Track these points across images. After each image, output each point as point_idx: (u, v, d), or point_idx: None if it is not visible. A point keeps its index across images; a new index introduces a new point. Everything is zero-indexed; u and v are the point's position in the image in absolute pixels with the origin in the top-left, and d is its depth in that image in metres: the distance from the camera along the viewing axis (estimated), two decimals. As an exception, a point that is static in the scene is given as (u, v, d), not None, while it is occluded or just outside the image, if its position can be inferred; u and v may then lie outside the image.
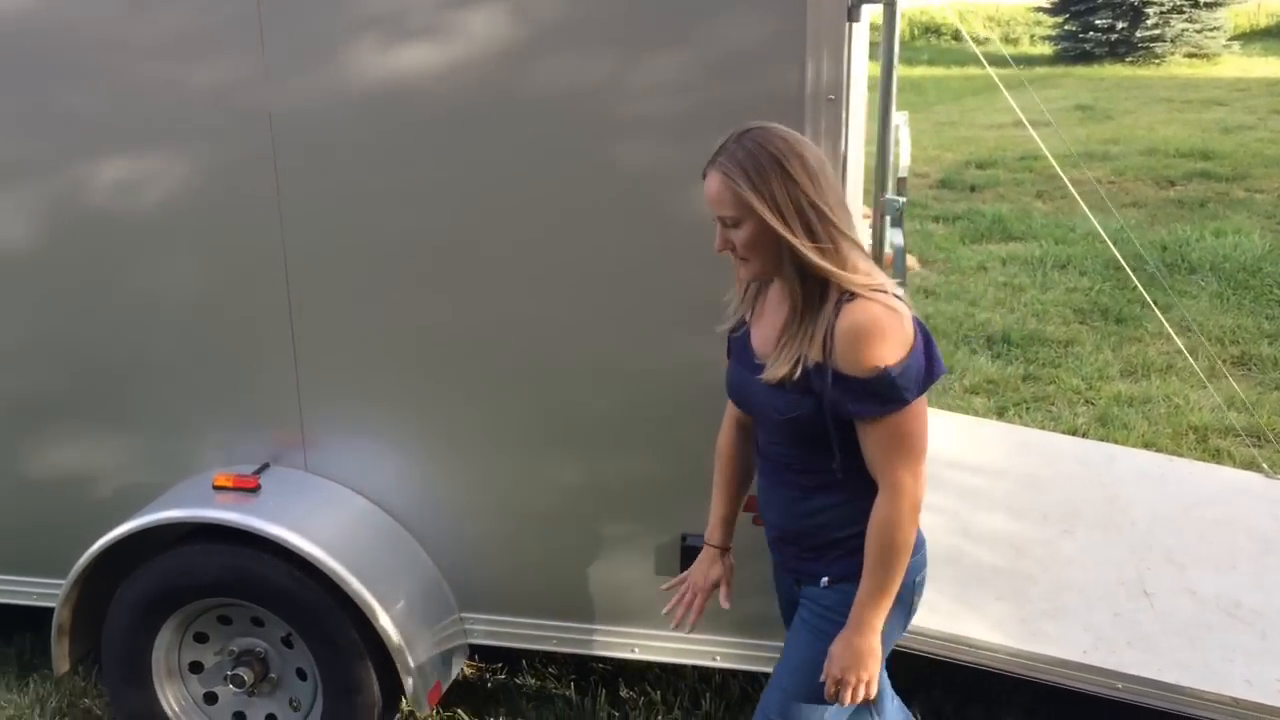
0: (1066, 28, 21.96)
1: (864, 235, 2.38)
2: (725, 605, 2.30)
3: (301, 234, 2.72)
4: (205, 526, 2.79)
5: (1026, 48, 24.18)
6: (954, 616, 2.84)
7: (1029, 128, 4.26)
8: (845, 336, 1.87)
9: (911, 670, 3.15)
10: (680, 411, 2.66)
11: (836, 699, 2.03)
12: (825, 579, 2.08)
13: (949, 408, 4.99)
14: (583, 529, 2.82)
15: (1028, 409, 5.24)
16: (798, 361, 1.92)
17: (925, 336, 1.93)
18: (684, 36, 2.43)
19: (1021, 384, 5.55)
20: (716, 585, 2.31)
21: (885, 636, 2.04)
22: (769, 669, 2.73)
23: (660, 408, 2.68)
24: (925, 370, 1.90)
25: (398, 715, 2.93)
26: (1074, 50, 21.24)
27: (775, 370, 1.95)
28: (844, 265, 1.90)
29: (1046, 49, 23.01)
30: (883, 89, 2.47)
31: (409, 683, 2.72)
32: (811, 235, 1.89)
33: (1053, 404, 5.31)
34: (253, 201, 2.71)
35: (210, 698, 2.94)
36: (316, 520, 2.78)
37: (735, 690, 3.19)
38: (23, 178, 2.82)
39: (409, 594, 2.81)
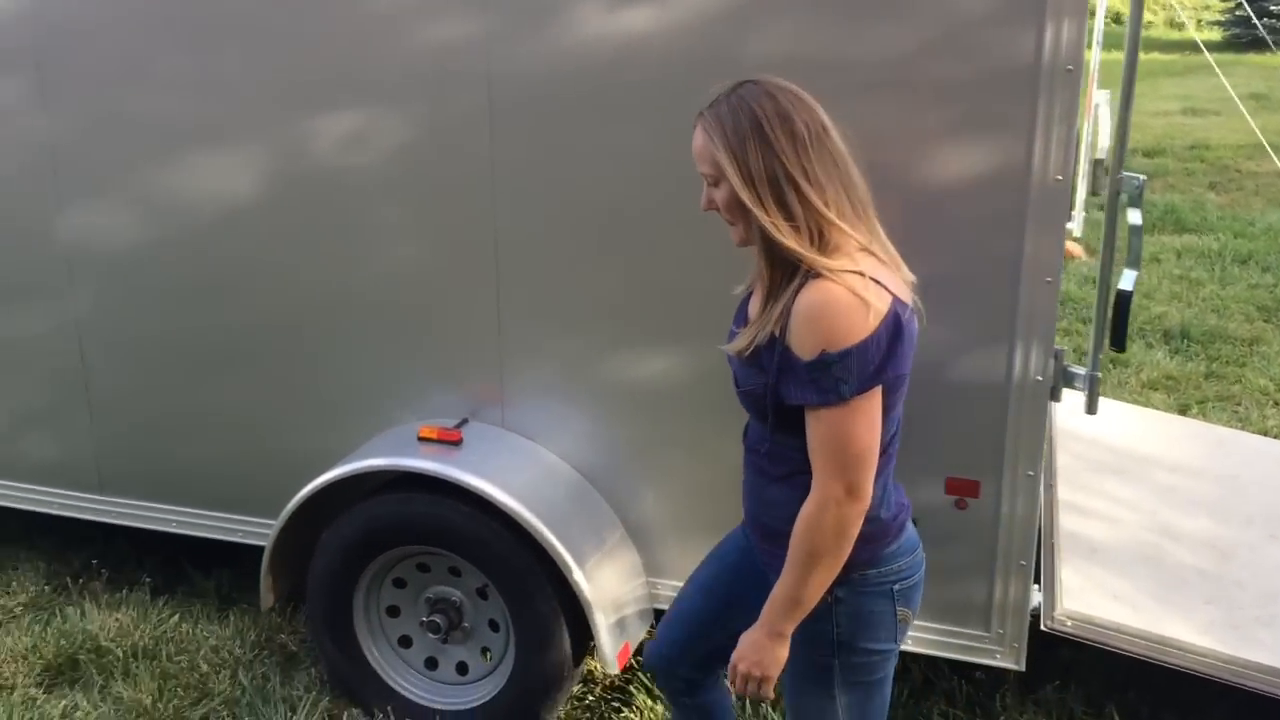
0: (1238, 13, 20.84)
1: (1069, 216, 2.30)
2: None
3: (513, 196, 2.75)
4: (407, 475, 2.87)
5: (1193, 33, 23.04)
6: (1158, 618, 2.73)
7: (1199, 115, 4.02)
8: (799, 313, 1.74)
9: (1105, 669, 3.05)
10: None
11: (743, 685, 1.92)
12: (774, 577, 1.93)
13: (1126, 400, 4.81)
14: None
15: (1211, 407, 5.01)
16: (754, 338, 1.82)
17: (895, 334, 1.76)
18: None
19: (1204, 381, 5.31)
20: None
21: (867, 665, 1.93)
22: (962, 656, 2.68)
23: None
24: (876, 367, 1.74)
25: (580, 672, 2.97)
26: (1246, 37, 20.15)
27: (735, 343, 1.87)
28: (821, 246, 1.76)
29: (1215, 34, 21.89)
30: (1127, 63, 2.36)
31: (601, 641, 2.76)
32: (784, 209, 1.76)
33: (1239, 404, 5.07)
34: (467, 163, 2.76)
35: (405, 641, 3.04)
36: (515, 475, 2.83)
37: (917, 677, 3.14)
38: (249, 134, 2.93)
39: (602, 553, 2.84)
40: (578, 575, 2.74)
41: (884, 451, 1.85)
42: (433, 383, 3.00)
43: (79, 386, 3.32)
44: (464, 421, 2.96)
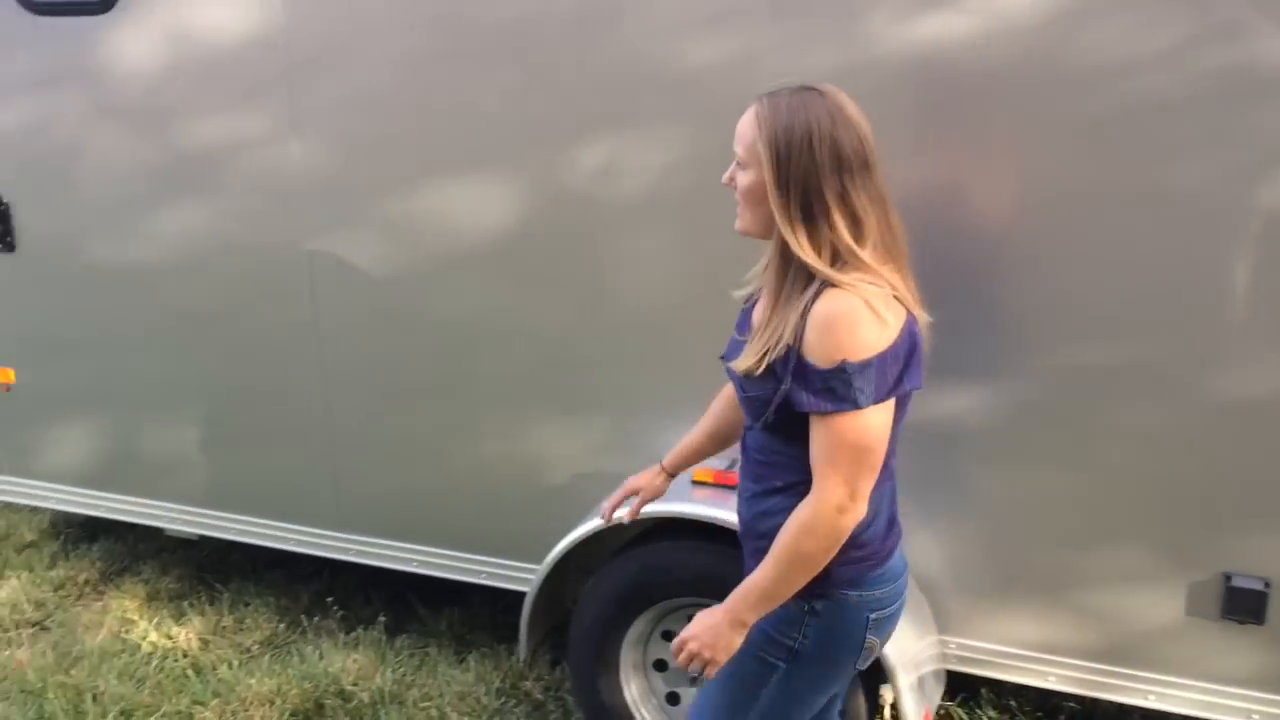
0: None
1: None
2: (626, 518, 2.36)
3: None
4: (677, 521, 2.67)
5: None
6: None
7: None
8: (818, 322, 1.72)
9: None
10: (1229, 421, 2.32)
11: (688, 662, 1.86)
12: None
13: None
14: (1099, 554, 2.52)
15: None
16: (764, 354, 1.78)
17: (911, 348, 1.78)
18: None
19: None
20: (635, 493, 2.31)
21: (809, 681, 1.90)
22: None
23: (1203, 418, 2.34)
24: (894, 379, 1.74)
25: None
26: None
27: (743, 361, 1.82)
28: (836, 265, 1.75)
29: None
30: None
31: (905, 706, 2.50)
32: (809, 222, 1.75)
33: None
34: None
35: (673, 698, 2.83)
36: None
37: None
38: (506, 163, 2.78)
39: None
40: (879, 635, 2.49)
41: (886, 465, 1.83)
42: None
43: (323, 422, 3.22)
44: (734, 463, 2.74)
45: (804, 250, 1.74)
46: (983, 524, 2.59)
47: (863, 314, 1.71)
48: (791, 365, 1.75)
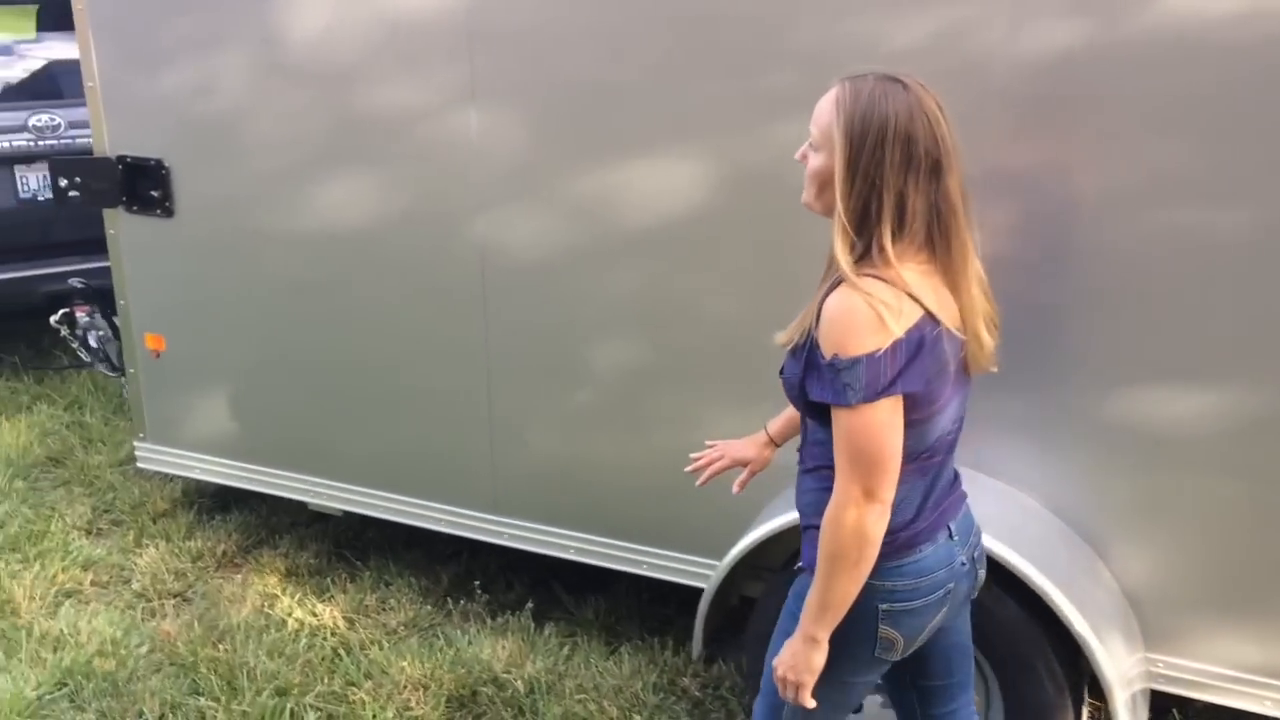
0: None
1: None
2: (735, 490, 2.31)
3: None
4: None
5: None
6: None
7: None
8: (824, 314, 1.76)
9: None
10: None
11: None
12: (801, 563, 1.96)
13: None
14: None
15: None
16: (793, 333, 1.86)
17: (916, 350, 1.74)
18: None
19: None
20: (743, 465, 2.30)
21: (834, 667, 1.86)
22: None
23: None
24: (887, 381, 1.71)
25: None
26: None
27: (780, 336, 1.89)
28: (870, 256, 1.75)
29: None
30: None
31: (1122, 726, 2.35)
32: (861, 210, 1.75)
33: None
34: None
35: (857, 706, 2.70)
36: (1015, 531, 2.46)
37: None
38: (689, 145, 2.65)
39: (1111, 621, 2.44)
40: (1097, 649, 2.34)
41: (912, 461, 1.81)
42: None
43: (484, 401, 3.13)
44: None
45: (840, 236, 1.76)
46: (1202, 535, 2.42)
47: (861, 313, 1.71)
48: (807, 352, 1.81)
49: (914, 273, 1.76)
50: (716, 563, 2.75)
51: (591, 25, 2.69)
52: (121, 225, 3.52)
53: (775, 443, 2.29)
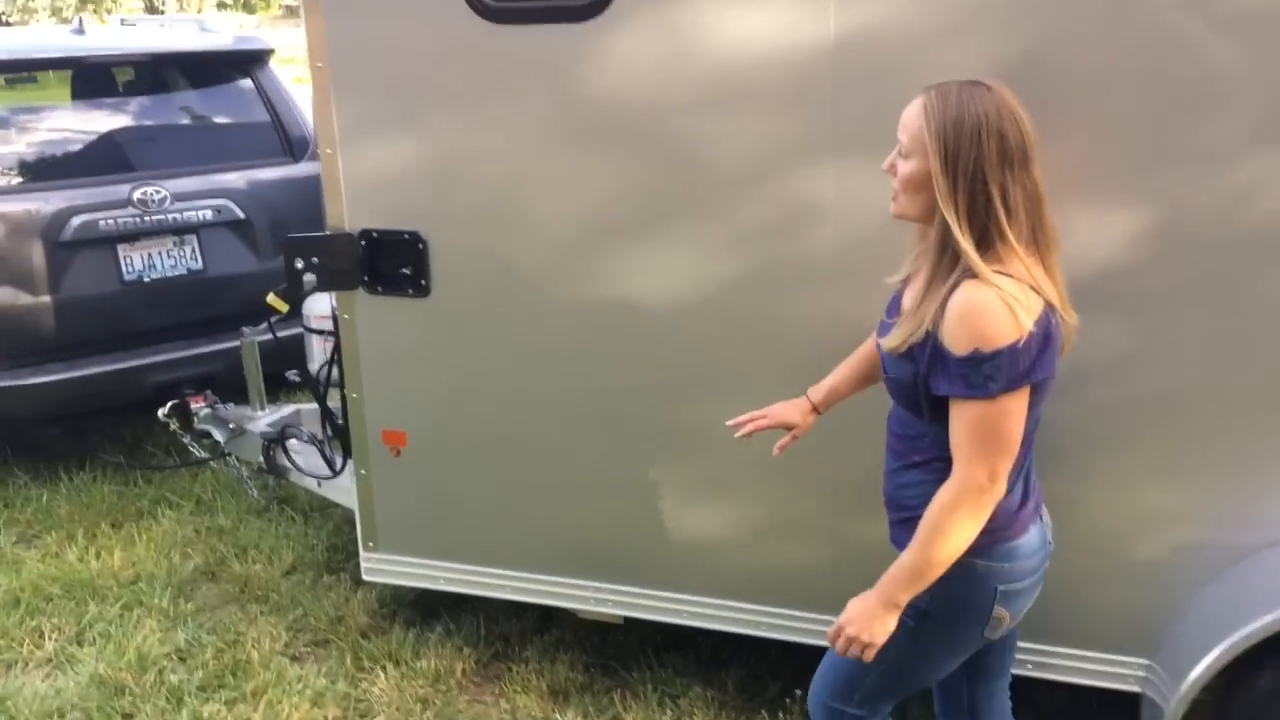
0: None
1: None
2: (776, 453, 2.41)
3: None
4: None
5: None
6: None
7: None
8: (954, 311, 1.84)
9: None
10: None
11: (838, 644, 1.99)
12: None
13: None
14: None
15: None
16: (908, 337, 1.91)
17: (1045, 340, 1.86)
18: None
19: None
20: (787, 428, 2.40)
21: (939, 642, 2.02)
22: None
23: None
24: (1025, 369, 1.83)
25: None
26: None
27: (890, 340, 1.97)
28: (987, 253, 1.86)
29: None
30: None
31: None
32: (970, 207, 1.86)
33: None
34: None
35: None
36: None
37: None
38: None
39: None
40: None
41: (1022, 445, 1.92)
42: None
43: (816, 489, 2.76)
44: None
45: (963, 235, 1.84)
46: None
47: (996, 306, 1.81)
48: (929, 350, 1.88)
49: (1032, 269, 1.87)
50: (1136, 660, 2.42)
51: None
52: (359, 309, 3.09)
53: (818, 410, 2.40)
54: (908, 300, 2.01)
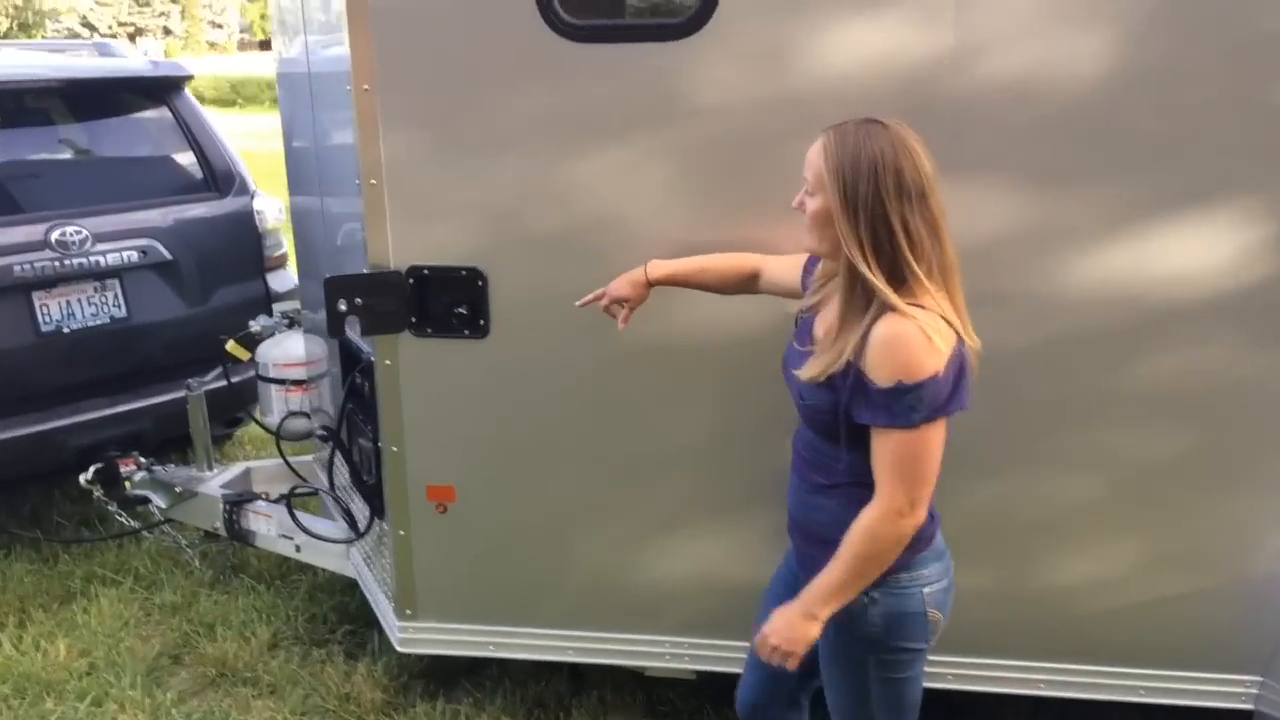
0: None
1: None
2: (621, 326, 2.49)
3: None
4: None
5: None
6: None
7: None
8: (877, 343, 1.89)
9: None
10: None
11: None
12: (805, 574, 2.11)
13: None
14: None
15: None
16: (827, 367, 1.96)
17: (960, 370, 1.93)
18: None
19: None
20: (622, 303, 2.50)
21: (904, 664, 2.10)
22: None
23: None
24: (944, 400, 1.90)
25: None
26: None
27: (807, 370, 2.01)
28: (899, 288, 1.91)
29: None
30: None
31: None
32: (875, 246, 1.91)
33: None
34: None
35: None
36: None
37: None
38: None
39: None
40: None
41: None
42: None
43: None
44: None
45: (871, 272, 1.90)
46: None
47: (917, 339, 1.86)
48: (851, 380, 1.93)
49: (941, 295, 1.93)
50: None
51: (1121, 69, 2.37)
52: (403, 353, 2.81)
53: (651, 284, 2.48)
54: (820, 329, 2.07)
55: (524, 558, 2.91)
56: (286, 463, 4.10)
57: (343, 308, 2.72)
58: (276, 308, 4.26)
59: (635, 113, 2.56)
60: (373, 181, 2.70)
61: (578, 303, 2.54)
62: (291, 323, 4.11)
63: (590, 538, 2.87)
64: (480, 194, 2.67)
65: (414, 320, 2.77)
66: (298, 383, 4.00)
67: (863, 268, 1.91)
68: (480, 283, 2.72)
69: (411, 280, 2.74)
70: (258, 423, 4.14)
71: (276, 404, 4.04)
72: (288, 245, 5.04)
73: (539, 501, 2.86)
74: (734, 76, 2.50)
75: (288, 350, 4.01)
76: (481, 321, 2.75)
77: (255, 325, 4.02)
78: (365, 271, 2.75)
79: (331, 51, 3.00)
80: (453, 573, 2.96)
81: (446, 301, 2.75)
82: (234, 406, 4.72)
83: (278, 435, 4.03)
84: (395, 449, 2.88)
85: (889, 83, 2.43)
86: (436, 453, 2.87)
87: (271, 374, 4.01)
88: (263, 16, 49.80)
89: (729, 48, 2.48)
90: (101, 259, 4.28)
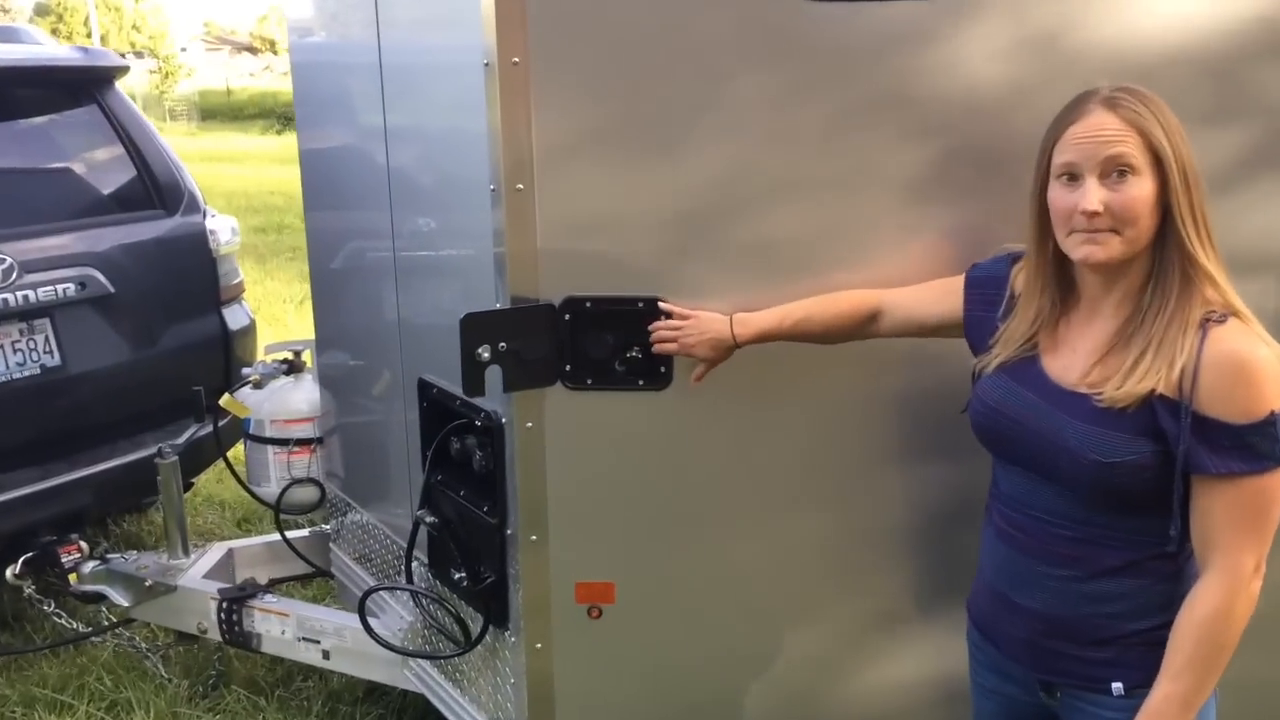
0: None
1: None
2: (693, 383, 2.04)
3: None
4: None
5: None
6: None
7: None
8: (1221, 368, 1.51)
9: None
10: None
11: None
12: (1118, 685, 1.65)
13: None
14: None
15: None
16: (1151, 391, 1.53)
17: None
18: None
19: None
20: (695, 351, 2.01)
21: None
22: None
23: None
24: None
25: None
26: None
27: (1118, 395, 1.55)
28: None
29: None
30: None
31: None
32: (1207, 233, 1.57)
33: None
34: None
35: None
36: None
37: None
38: None
39: None
40: None
41: None
42: None
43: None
44: None
45: (1212, 264, 1.54)
46: None
47: (1272, 355, 1.51)
48: (1187, 420, 1.51)
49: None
50: None
51: None
52: (550, 412, 2.13)
53: (739, 346, 2.00)
54: (1078, 354, 1.64)
55: (705, 674, 2.27)
56: (288, 543, 3.35)
57: (485, 356, 2.02)
58: (265, 351, 3.47)
59: (885, 92, 1.98)
60: (519, 186, 2.02)
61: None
62: (291, 368, 3.34)
63: (797, 644, 2.25)
64: (664, 200, 2.04)
65: (568, 368, 2.10)
66: (303, 443, 3.25)
67: (1202, 258, 1.53)
68: (663, 318, 2.08)
69: (567, 316, 2.08)
70: (250, 492, 3.35)
71: (275, 469, 3.27)
72: (243, 273, 4.24)
73: (730, 600, 2.22)
74: (1021, 48, 1.95)
75: (289, 403, 3.26)
76: (663, 368, 2.10)
77: (253, 372, 3.24)
78: (509, 307, 2.07)
79: (435, 32, 2.30)
80: (607, 696, 2.28)
81: (613, 343, 2.10)
82: (192, 470, 3.91)
83: (278, 509, 3.26)
84: (534, 537, 2.19)
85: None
86: (592, 540, 2.20)
87: (269, 433, 3.25)
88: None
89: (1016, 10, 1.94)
90: (30, 294, 3.39)
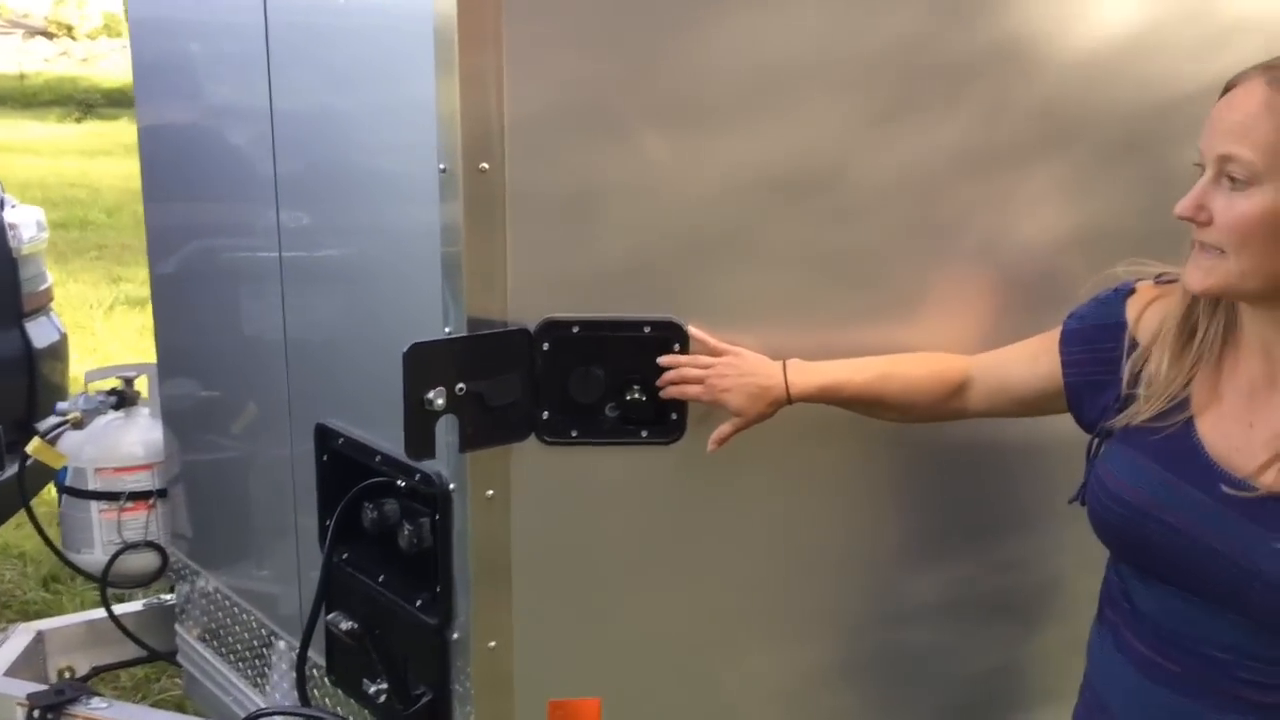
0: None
1: None
2: (711, 448, 1.54)
3: None
4: None
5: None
6: None
7: None
8: None
9: None
10: None
11: None
12: None
13: None
14: None
15: None
16: None
17: None
18: None
19: None
20: (729, 400, 1.51)
21: None
22: None
23: None
24: None
25: None
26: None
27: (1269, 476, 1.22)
28: None
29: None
30: None
31: None
32: None
33: None
34: None
35: None
36: None
37: None
38: None
39: None
40: None
41: None
42: None
43: None
44: None
45: None
46: None
47: None
48: None
49: None
50: None
51: None
52: (518, 475, 1.56)
53: (791, 402, 1.52)
54: (1241, 422, 1.25)
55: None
56: (119, 624, 2.64)
57: (438, 404, 1.43)
58: (85, 379, 2.74)
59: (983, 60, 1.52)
60: (483, 166, 1.45)
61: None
62: (121, 400, 2.64)
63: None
64: (690, 186, 1.51)
65: (545, 415, 1.54)
66: (138, 496, 2.57)
67: None
68: (676, 348, 1.54)
69: (546, 345, 1.52)
70: (66, 561, 2.64)
71: (101, 531, 2.58)
72: (52, 279, 3.48)
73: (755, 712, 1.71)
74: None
75: (119, 446, 2.58)
76: (674, 415, 1.57)
77: (71, 408, 2.53)
78: (465, 334, 1.49)
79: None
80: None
81: (606, 380, 1.55)
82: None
83: (104, 582, 2.57)
84: (493, 644, 1.61)
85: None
86: (571, 646, 1.64)
87: (93, 485, 2.56)
88: None
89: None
90: None
